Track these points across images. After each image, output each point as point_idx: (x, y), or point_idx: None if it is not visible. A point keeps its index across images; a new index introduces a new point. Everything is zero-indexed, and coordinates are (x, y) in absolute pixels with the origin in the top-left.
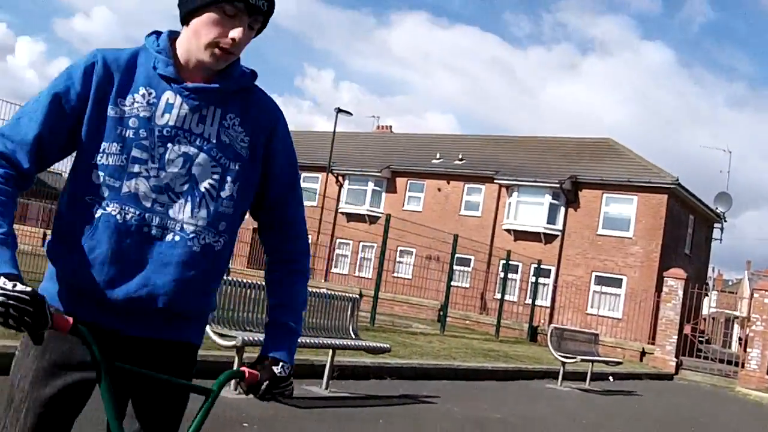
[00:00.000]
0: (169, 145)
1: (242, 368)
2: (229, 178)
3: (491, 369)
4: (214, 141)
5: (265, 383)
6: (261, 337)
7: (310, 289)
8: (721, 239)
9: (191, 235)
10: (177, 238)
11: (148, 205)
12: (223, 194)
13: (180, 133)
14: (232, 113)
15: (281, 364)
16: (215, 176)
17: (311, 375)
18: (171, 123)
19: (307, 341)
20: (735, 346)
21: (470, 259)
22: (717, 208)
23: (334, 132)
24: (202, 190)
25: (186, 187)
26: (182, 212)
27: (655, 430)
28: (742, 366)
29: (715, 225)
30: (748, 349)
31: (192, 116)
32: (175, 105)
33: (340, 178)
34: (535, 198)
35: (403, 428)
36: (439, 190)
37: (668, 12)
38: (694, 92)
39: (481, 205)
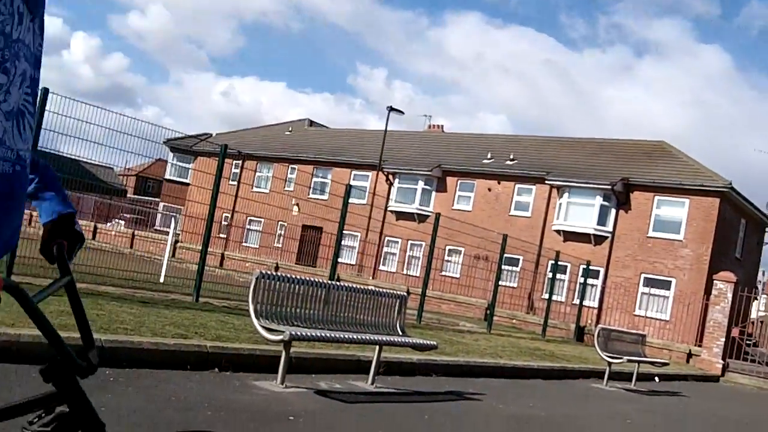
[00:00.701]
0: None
1: (57, 243)
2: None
3: (537, 368)
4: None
5: (77, 246)
6: (308, 331)
7: (358, 286)
8: None
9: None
10: (19, 168)
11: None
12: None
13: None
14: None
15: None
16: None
17: (357, 370)
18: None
19: (355, 337)
20: None
21: (519, 259)
22: None
23: (386, 130)
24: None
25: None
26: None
27: (700, 430)
28: None
29: (767, 229)
30: None
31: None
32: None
33: (391, 177)
34: (585, 199)
35: (448, 424)
36: (489, 190)
37: (726, 15)
38: (750, 96)
39: (531, 206)
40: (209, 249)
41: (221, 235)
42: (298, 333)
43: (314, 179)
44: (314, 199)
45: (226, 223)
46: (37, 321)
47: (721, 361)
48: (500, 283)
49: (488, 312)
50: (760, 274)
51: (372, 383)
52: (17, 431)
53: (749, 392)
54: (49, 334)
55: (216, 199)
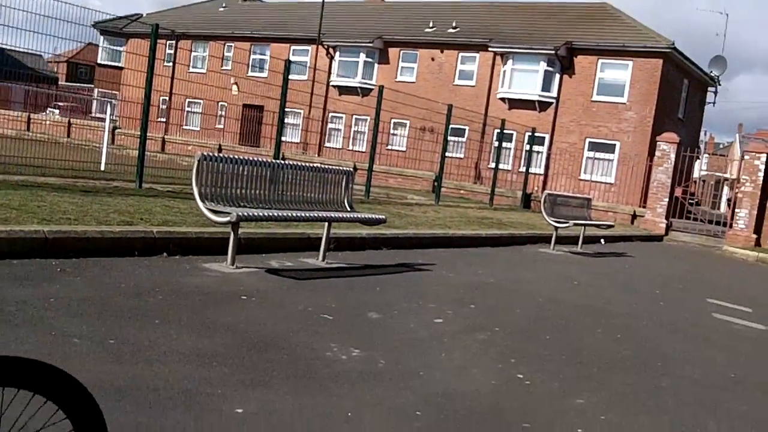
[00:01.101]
0: None
1: None
2: None
3: (485, 236)
4: None
5: None
6: (255, 211)
7: (304, 164)
8: (714, 103)
9: None
10: None
11: None
12: None
13: None
14: None
15: None
16: None
17: (308, 248)
18: None
19: (303, 215)
20: (723, 207)
21: (464, 129)
22: (711, 72)
23: (323, 2)
24: None
25: None
26: None
27: (644, 287)
28: (730, 226)
29: (709, 89)
30: (736, 210)
31: None
32: None
33: (331, 50)
34: (529, 65)
35: (399, 294)
36: (432, 59)
37: None
38: None
39: (475, 74)
40: (149, 134)
41: (161, 119)
42: (246, 213)
43: (252, 56)
44: (253, 77)
45: (164, 106)
46: None
47: (665, 221)
48: (447, 154)
49: (436, 184)
50: (702, 133)
51: (323, 259)
52: None
53: (692, 249)
54: None
55: (151, 81)
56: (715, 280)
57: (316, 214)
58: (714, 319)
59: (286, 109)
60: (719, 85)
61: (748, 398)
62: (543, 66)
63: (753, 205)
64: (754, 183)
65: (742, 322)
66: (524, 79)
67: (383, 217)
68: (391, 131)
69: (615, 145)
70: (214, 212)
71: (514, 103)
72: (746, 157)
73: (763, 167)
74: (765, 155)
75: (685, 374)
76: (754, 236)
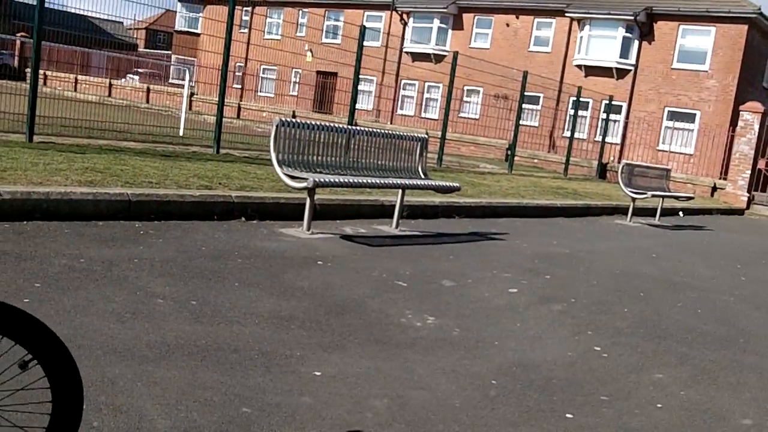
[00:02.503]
0: None
1: None
2: None
3: (560, 206)
4: None
5: None
6: (331, 177)
7: (378, 130)
8: None
9: None
10: None
11: None
12: None
13: None
14: None
15: None
16: None
17: (381, 215)
18: None
19: (377, 182)
20: None
21: (539, 97)
22: None
23: None
24: None
25: None
26: None
27: (725, 261)
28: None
29: None
30: None
31: None
32: None
33: (405, 16)
34: (607, 31)
35: (473, 263)
36: (507, 25)
37: None
38: None
39: (551, 41)
40: (225, 100)
41: (236, 86)
42: (322, 179)
43: (326, 23)
44: (327, 43)
45: (239, 73)
46: None
47: (747, 194)
48: (521, 122)
49: (509, 152)
50: None
51: (396, 227)
52: None
53: None
54: None
55: (229, 47)
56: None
57: (390, 181)
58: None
59: (360, 76)
60: None
61: None
62: (621, 32)
63: None
64: None
65: None
66: (602, 45)
67: (457, 185)
68: (464, 98)
69: (695, 114)
70: (291, 178)
71: (591, 71)
72: None
73: None
74: None
75: None
76: None
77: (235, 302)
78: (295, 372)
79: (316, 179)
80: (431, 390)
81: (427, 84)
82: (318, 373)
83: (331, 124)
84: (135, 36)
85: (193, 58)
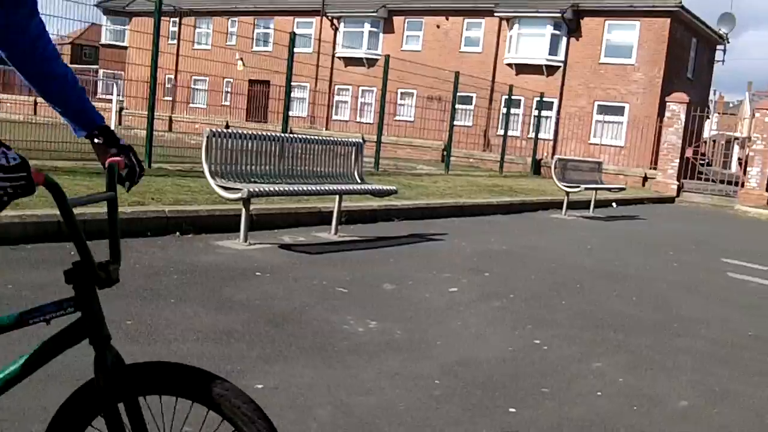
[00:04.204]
0: None
1: (110, 160)
2: None
3: (497, 204)
4: None
5: (135, 161)
6: (266, 187)
7: (312, 137)
8: (723, 61)
9: None
10: None
11: None
12: None
13: None
14: None
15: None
16: None
17: (320, 222)
18: None
19: (313, 189)
20: (735, 166)
21: (472, 97)
22: (720, 30)
23: None
24: None
25: None
26: None
27: (657, 249)
28: (742, 185)
29: (718, 47)
30: (748, 168)
31: None
32: None
33: (335, 21)
34: (536, 29)
35: (413, 265)
36: (438, 27)
37: None
38: None
39: (481, 40)
40: (156, 113)
41: (167, 98)
42: (256, 189)
43: (256, 31)
44: (259, 51)
45: (170, 85)
46: (69, 223)
47: (676, 182)
48: (455, 122)
49: (445, 153)
50: (711, 93)
51: (335, 233)
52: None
53: (704, 210)
54: (77, 239)
55: (156, 60)
56: (728, 239)
57: (326, 188)
58: (729, 279)
59: (292, 83)
60: (728, 42)
61: (766, 355)
62: (550, 29)
63: (765, 163)
64: (765, 141)
65: (758, 280)
66: (531, 43)
67: (394, 188)
68: (399, 101)
69: (624, 107)
70: (225, 189)
71: (522, 69)
72: (757, 114)
73: None
74: None
75: (702, 334)
76: (767, 195)
77: (172, 320)
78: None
79: (251, 189)
80: (376, 394)
81: (361, 88)
82: (260, 386)
83: (264, 133)
84: (60, 51)
85: (121, 72)
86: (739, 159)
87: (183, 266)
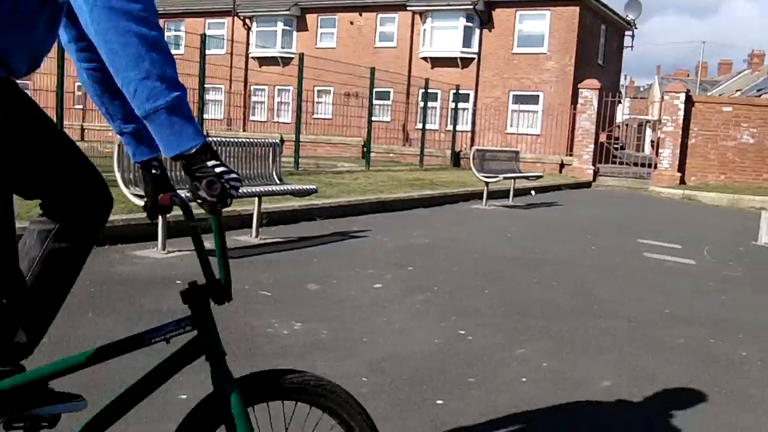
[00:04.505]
0: None
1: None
2: None
3: (418, 197)
4: None
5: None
6: (182, 193)
7: (229, 139)
8: (632, 47)
9: None
10: None
11: None
12: None
13: None
14: None
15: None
16: None
17: (241, 225)
18: None
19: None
20: (648, 149)
21: (389, 92)
22: (627, 16)
23: None
24: None
25: None
26: None
27: (576, 234)
28: (655, 167)
29: (626, 33)
30: (659, 150)
31: None
32: None
33: (248, 21)
34: (449, 22)
35: (337, 263)
36: (351, 23)
37: None
38: None
39: (395, 35)
40: (66, 122)
41: (77, 107)
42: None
43: (167, 33)
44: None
45: (80, 92)
46: (196, 242)
47: (592, 167)
48: (373, 118)
49: (365, 149)
50: (622, 78)
51: (256, 236)
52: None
53: (620, 193)
54: (202, 257)
55: (63, 66)
56: (644, 220)
57: (244, 190)
58: (646, 259)
59: (206, 85)
60: (635, 28)
61: (683, 332)
62: (462, 22)
63: (675, 145)
64: (674, 123)
65: (673, 259)
66: (444, 36)
67: (314, 187)
68: (316, 99)
69: (539, 96)
70: (140, 197)
71: (437, 62)
72: (666, 97)
73: (682, 106)
74: (683, 94)
75: (622, 314)
76: (678, 174)
77: (88, 334)
78: (158, 399)
79: None
80: None
81: (277, 88)
82: (184, 396)
83: None
84: None
85: (27, 81)
86: (651, 141)
87: (100, 278)
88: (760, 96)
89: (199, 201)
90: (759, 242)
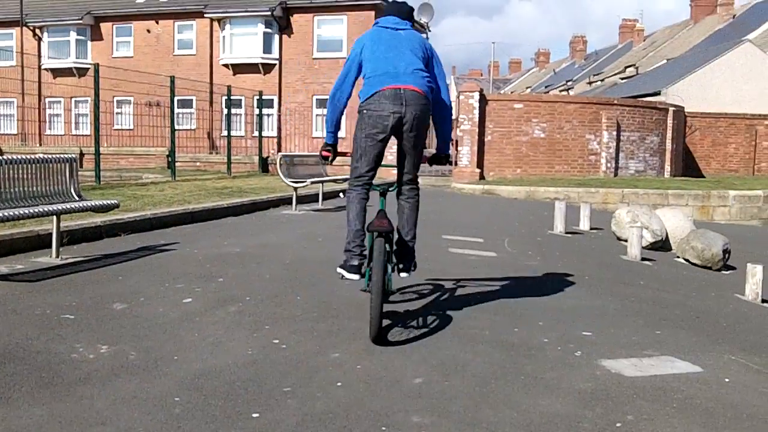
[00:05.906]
0: None
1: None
2: None
3: (227, 206)
4: None
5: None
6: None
7: (22, 157)
8: None
9: None
10: None
11: None
12: None
13: None
14: None
15: None
16: None
17: (40, 246)
18: None
19: (25, 212)
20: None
21: (192, 100)
22: (421, 20)
23: None
24: None
25: None
26: None
27: None
28: (455, 164)
29: (423, 36)
30: (459, 148)
31: None
32: None
33: (38, 31)
34: (248, 28)
35: (144, 280)
36: (148, 31)
37: None
38: None
39: (194, 42)
40: None
41: None
42: None
43: None
44: None
45: None
46: None
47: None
48: (177, 127)
49: (170, 159)
50: None
51: (57, 256)
52: None
53: (424, 191)
54: None
55: None
56: (447, 216)
57: (40, 209)
58: (450, 254)
59: None
60: (429, 31)
61: (487, 323)
62: (261, 28)
63: (473, 142)
64: (471, 121)
65: (476, 253)
66: (244, 42)
67: (115, 201)
68: (116, 110)
69: None
70: None
71: (239, 68)
72: (461, 97)
73: (477, 105)
74: (477, 93)
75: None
76: (478, 170)
77: None
78: None
79: None
80: (113, 423)
81: (74, 99)
82: None
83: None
84: None
85: None
86: (451, 139)
87: None
88: (548, 92)
89: None
90: (554, 231)
